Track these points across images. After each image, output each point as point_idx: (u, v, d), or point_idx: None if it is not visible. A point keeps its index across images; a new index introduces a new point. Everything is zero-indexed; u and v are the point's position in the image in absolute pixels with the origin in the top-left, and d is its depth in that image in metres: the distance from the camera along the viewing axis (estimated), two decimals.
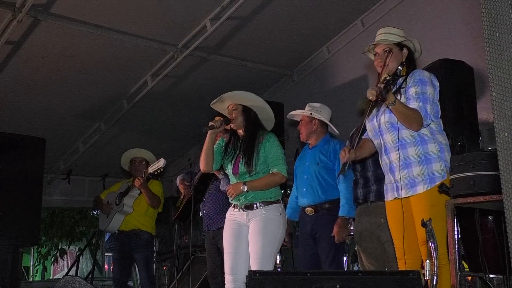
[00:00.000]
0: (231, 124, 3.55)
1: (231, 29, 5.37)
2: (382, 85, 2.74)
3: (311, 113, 4.17)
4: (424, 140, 2.85)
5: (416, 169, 2.83)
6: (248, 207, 3.47)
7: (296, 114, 4.26)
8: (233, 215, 3.56)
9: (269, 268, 3.35)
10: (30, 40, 4.92)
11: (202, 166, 3.60)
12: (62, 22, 4.76)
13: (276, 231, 3.43)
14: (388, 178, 2.99)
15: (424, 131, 2.86)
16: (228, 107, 3.61)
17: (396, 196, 2.92)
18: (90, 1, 4.69)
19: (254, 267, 3.35)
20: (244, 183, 3.43)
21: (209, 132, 3.49)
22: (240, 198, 3.49)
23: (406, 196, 2.87)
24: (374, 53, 3.05)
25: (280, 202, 3.53)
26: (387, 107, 2.80)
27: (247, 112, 3.56)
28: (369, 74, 5.51)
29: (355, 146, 3.00)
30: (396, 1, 5.38)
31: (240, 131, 3.59)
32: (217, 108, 3.72)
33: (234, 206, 3.56)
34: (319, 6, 5.31)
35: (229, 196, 3.56)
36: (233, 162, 3.56)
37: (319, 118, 4.16)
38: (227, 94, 3.60)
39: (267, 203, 3.46)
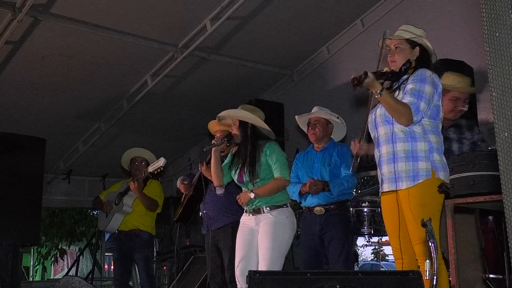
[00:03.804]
0: (234, 139, 3.72)
1: (231, 29, 5.36)
2: (364, 72, 2.73)
3: (338, 117, 4.22)
4: (414, 138, 2.83)
5: (401, 164, 2.82)
6: (256, 211, 3.64)
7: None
8: (244, 219, 3.74)
9: (277, 269, 3.43)
10: (30, 40, 4.92)
11: (215, 182, 3.82)
12: (62, 22, 4.76)
13: (282, 234, 3.55)
14: (378, 172, 3.01)
15: (416, 128, 2.84)
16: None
17: (381, 190, 2.96)
18: (90, 1, 4.69)
19: (262, 269, 3.44)
20: (252, 191, 3.61)
21: (213, 149, 3.70)
22: (249, 203, 3.66)
23: (387, 190, 2.90)
24: (389, 48, 3.03)
25: (287, 206, 3.64)
26: (376, 96, 2.78)
27: (243, 126, 3.71)
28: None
29: (362, 138, 3.00)
30: (396, 1, 5.38)
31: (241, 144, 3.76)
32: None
33: (245, 211, 3.74)
34: (319, 6, 5.31)
35: (240, 204, 3.74)
36: (237, 172, 3.72)
37: (340, 121, 4.23)
38: (224, 113, 3.80)
39: (274, 207, 3.60)
